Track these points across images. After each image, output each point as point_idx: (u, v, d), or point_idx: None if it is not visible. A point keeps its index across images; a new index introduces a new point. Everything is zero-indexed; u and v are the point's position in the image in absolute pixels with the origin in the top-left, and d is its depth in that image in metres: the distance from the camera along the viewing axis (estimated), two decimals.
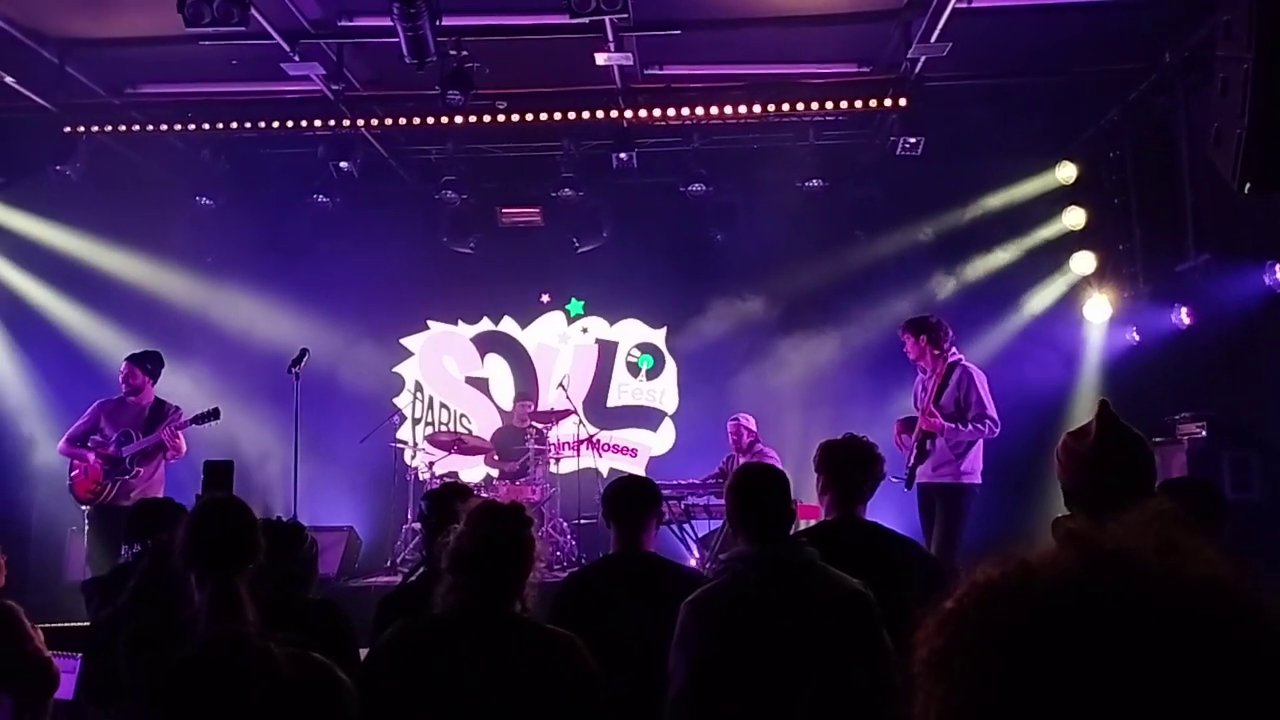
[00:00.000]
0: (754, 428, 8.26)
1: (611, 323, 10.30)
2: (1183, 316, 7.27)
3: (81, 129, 8.00)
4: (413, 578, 3.95)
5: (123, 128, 8.11)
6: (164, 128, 8.16)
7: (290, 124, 8.09)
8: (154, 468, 6.78)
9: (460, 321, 10.37)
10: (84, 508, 6.81)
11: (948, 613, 0.78)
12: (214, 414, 6.88)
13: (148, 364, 6.90)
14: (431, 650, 2.46)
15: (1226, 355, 7.04)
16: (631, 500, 3.62)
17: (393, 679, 2.44)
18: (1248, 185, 4.42)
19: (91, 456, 6.66)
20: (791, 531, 2.96)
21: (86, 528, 6.81)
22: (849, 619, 2.70)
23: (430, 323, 10.35)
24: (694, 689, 2.65)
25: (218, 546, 2.71)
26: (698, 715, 2.63)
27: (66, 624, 4.69)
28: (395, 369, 10.25)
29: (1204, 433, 6.41)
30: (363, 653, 3.22)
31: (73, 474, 6.75)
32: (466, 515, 2.62)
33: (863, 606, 2.73)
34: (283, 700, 1.44)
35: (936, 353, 6.33)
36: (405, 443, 9.42)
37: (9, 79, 7.35)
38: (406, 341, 10.31)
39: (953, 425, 6.11)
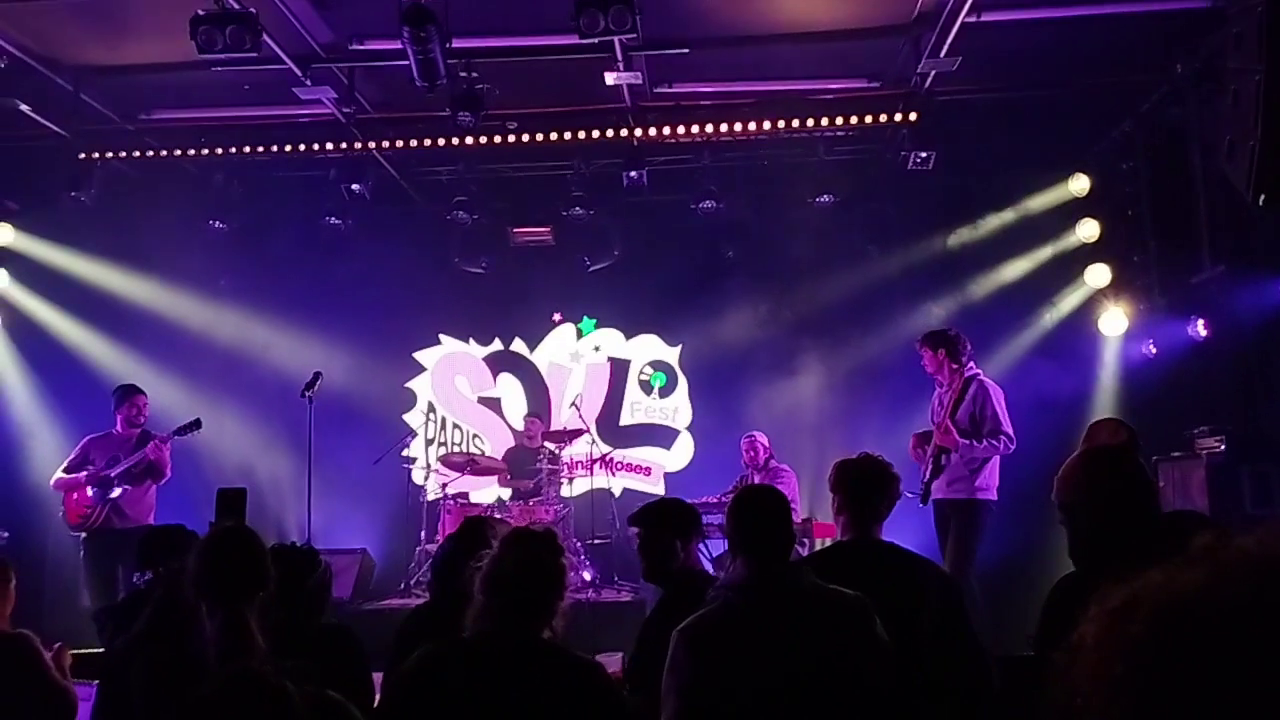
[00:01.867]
0: (768, 444, 8.23)
1: (626, 339, 10.28)
2: (1199, 329, 7.18)
3: (96, 155, 8.10)
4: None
5: (136, 153, 8.20)
6: (177, 153, 8.23)
7: (302, 147, 8.16)
8: (143, 490, 6.91)
9: (472, 340, 10.38)
10: (79, 535, 6.89)
11: (1122, 639, 0.78)
12: (196, 424, 7.04)
13: (143, 394, 7.11)
14: (463, 673, 2.46)
15: (1244, 367, 6.96)
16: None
17: (422, 701, 2.44)
18: (1261, 197, 4.39)
19: (83, 476, 6.81)
20: (807, 552, 2.93)
21: (82, 554, 6.89)
22: (843, 632, 2.68)
23: (442, 337, 10.34)
24: (684, 717, 2.64)
25: (227, 577, 2.70)
26: None
27: (83, 650, 4.69)
28: (407, 384, 10.25)
29: (1223, 447, 6.32)
30: (377, 678, 3.20)
31: (64, 503, 6.88)
32: (501, 539, 2.65)
33: (857, 614, 2.72)
34: None
35: (954, 366, 6.29)
36: (415, 459, 9.41)
37: (24, 107, 7.41)
38: (419, 355, 10.30)
39: (967, 441, 6.07)
